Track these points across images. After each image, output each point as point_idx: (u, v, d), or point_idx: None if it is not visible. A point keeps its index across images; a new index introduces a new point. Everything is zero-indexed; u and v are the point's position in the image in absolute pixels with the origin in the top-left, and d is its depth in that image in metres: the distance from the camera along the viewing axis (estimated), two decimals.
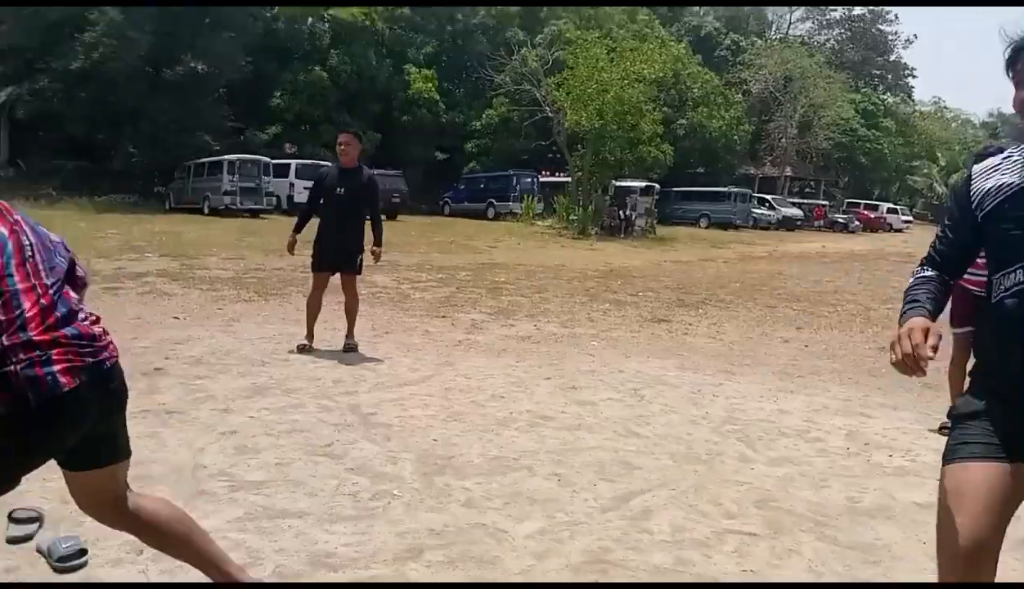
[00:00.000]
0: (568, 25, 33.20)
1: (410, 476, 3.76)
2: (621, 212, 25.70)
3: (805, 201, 42.47)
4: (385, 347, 6.75)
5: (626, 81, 24.95)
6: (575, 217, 25.16)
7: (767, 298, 11.61)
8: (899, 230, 43.78)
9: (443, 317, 8.56)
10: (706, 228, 32.65)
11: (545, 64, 30.01)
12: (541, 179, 31.91)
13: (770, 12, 56.13)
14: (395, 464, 3.92)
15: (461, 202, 31.84)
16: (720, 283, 13.43)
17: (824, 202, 43.88)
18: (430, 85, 33.38)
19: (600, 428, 4.68)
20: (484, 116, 34.58)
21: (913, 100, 58.60)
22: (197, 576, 2.40)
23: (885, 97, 53.00)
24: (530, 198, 28.81)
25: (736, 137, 37.82)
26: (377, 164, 29.44)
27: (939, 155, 53.67)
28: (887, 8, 55.40)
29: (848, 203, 46.46)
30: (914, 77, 59.70)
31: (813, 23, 57.20)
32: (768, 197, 38.65)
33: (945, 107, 63.11)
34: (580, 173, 26.93)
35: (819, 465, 4.23)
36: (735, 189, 35.35)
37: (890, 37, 56.95)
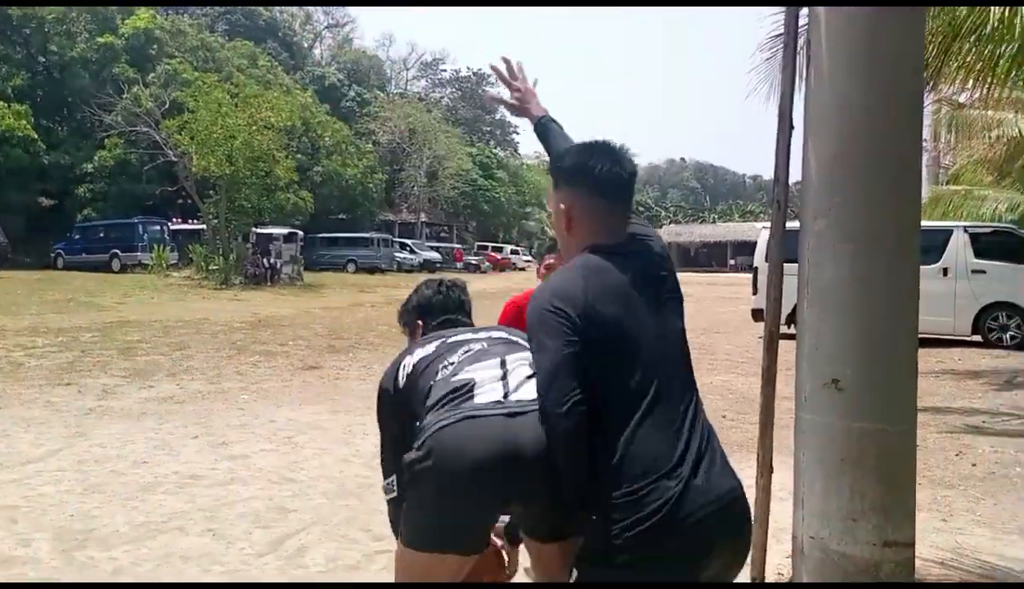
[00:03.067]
0: (184, 65, 31.82)
1: (47, 556, 3.56)
2: (265, 260, 25.24)
3: (443, 245, 45.53)
4: None
5: (254, 127, 24.70)
6: (215, 267, 24.08)
7: None
8: (523, 268, 49.12)
9: (68, 384, 7.81)
10: (354, 273, 33.37)
11: (161, 105, 28.35)
12: (172, 227, 29.92)
13: (388, 68, 59.62)
14: (28, 546, 3.66)
15: (78, 254, 28.36)
16: (369, 327, 13.99)
17: (459, 245, 47.46)
18: (23, 122, 29.22)
19: (254, 479, 4.80)
20: (96, 158, 31.27)
21: (519, 153, 66.24)
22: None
23: (496, 151, 59.18)
24: (161, 248, 26.78)
25: (372, 185, 39.34)
26: None
27: (546, 203, 61.16)
28: (488, 73, 62.09)
29: (478, 246, 50.87)
30: (517, 134, 67.67)
31: (428, 81, 62.05)
32: (408, 242, 40.75)
33: (545, 161, 72.15)
34: (216, 220, 25.87)
35: None
36: (377, 235, 36.77)
37: None
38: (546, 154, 2.47)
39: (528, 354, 1.89)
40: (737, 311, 18.28)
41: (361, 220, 39.93)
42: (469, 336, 2.16)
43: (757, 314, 12.89)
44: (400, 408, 2.07)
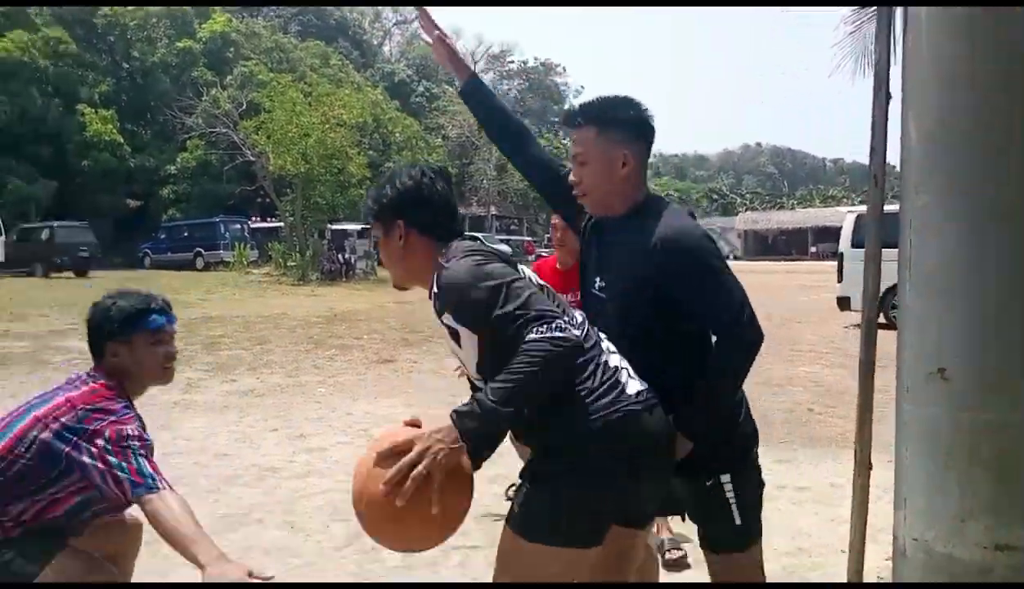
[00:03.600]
0: (259, 66, 32.63)
1: None
2: (340, 256, 25.72)
3: (513, 237, 45.58)
4: None
5: (327, 125, 25.12)
6: (293, 263, 24.69)
7: None
8: None
9: None
10: None
11: (239, 106, 29.17)
12: (252, 225, 30.81)
13: None
14: None
15: (164, 253, 29.63)
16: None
17: (529, 237, 47.46)
18: (110, 126, 30.62)
19: (331, 472, 4.82)
20: (178, 160, 32.57)
21: None
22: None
23: (565, 141, 58.83)
24: (242, 245, 27.68)
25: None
26: (55, 215, 26.52)
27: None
28: (556, 62, 61.90)
29: (548, 239, 50.75)
30: None
31: (495, 73, 61.98)
32: (479, 235, 40.55)
33: None
34: (292, 218, 26.50)
35: None
36: None
37: (562, 87, 63.45)
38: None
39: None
40: (820, 299, 17.64)
41: None
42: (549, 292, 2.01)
43: (843, 302, 12.41)
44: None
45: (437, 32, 2.43)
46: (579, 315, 1.97)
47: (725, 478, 2.05)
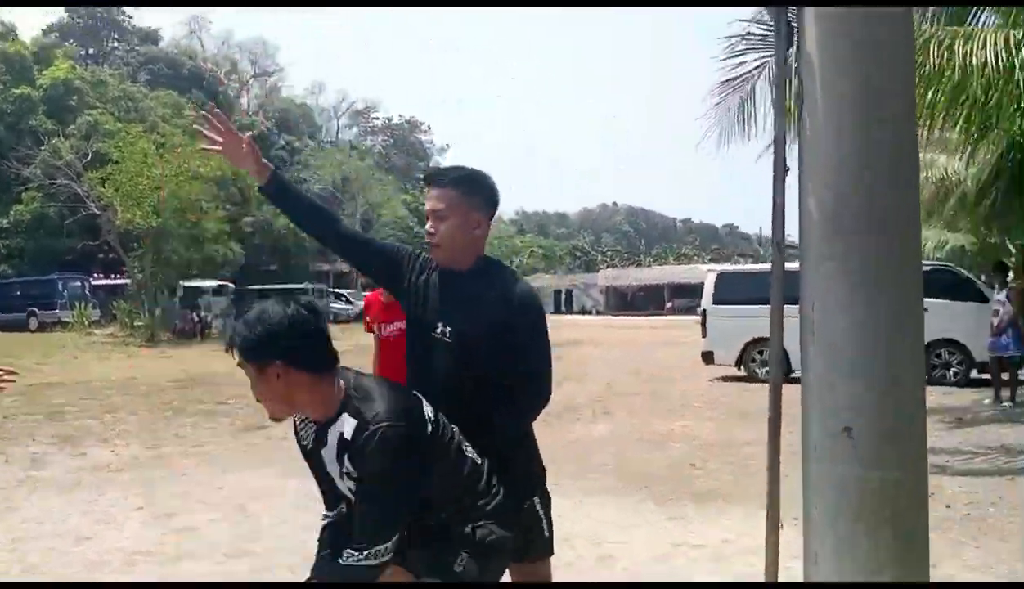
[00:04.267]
0: (106, 116, 30.96)
1: None
2: (195, 314, 24.38)
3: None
4: None
5: (182, 178, 24.07)
6: (141, 323, 23.15)
7: None
8: None
9: None
10: None
11: (83, 156, 27.45)
12: (94, 282, 28.75)
13: (318, 116, 59.38)
14: None
15: None
16: None
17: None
18: None
19: (206, 553, 4.43)
20: (12, 213, 30.04)
21: None
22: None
23: None
24: (83, 305, 25.62)
25: (304, 234, 38.55)
26: None
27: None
28: (420, 120, 62.72)
29: None
30: None
31: (359, 129, 61.96)
32: (344, 292, 39.98)
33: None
34: (141, 275, 24.94)
35: None
36: (312, 285, 35.90)
37: (427, 145, 64.15)
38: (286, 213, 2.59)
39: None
40: (683, 354, 18.38)
41: (294, 271, 39.16)
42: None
43: (707, 356, 13.04)
44: (428, 455, 2.07)
45: (226, 132, 2.49)
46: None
47: (536, 499, 2.43)
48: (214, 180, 26.47)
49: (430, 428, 2.10)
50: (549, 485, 2.49)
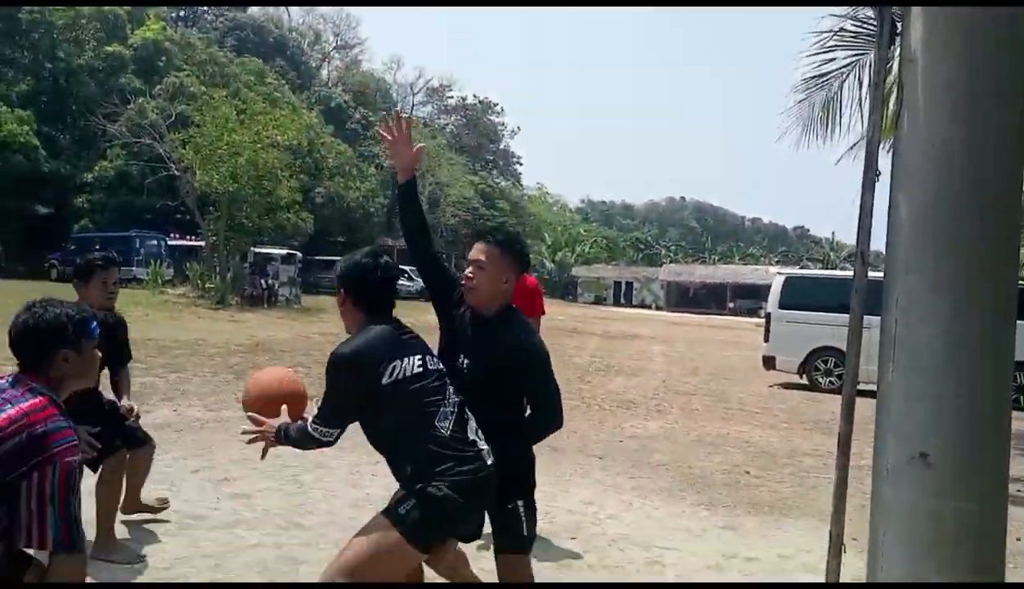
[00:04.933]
0: (191, 78, 31.71)
1: None
2: (263, 281, 24.86)
3: None
4: None
5: (259, 145, 24.47)
6: (212, 285, 23.72)
7: None
8: None
9: None
10: None
11: (167, 117, 28.17)
12: (170, 242, 29.60)
13: (395, 92, 59.81)
14: None
15: (73, 265, 27.81)
16: None
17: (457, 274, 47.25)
18: (26, 127, 28.94)
19: (260, 523, 4.48)
20: (97, 168, 31.00)
21: (521, 184, 66.34)
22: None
23: (499, 180, 59.22)
24: (157, 263, 26.32)
25: (374, 208, 39.15)
26: None
27: (546, 235, 61.19)
28: (494, 101, 62.55)
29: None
30: (520, 164, 67.69)
31: (434, 107, 62.14)
32: (407, 269, 40.34)
33: (547, 192, 72.40)
34: (215, 238, 25.56)
35: None
36: None
37: (499, 127, 64.02)
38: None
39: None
40: (743, 356, 18.04)
41: (361, 243, 39.33)
42: (434, 367, 2.70)
43: (768, 361, 12.70)
44: (370, 399, 2.59)
45: (403, 134, 3.03)
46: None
47: (520, 503, 2.80)
48: (290, 149, 26.89)
49: (388, 379, 2.56)
50: (603, 481, 2.97)
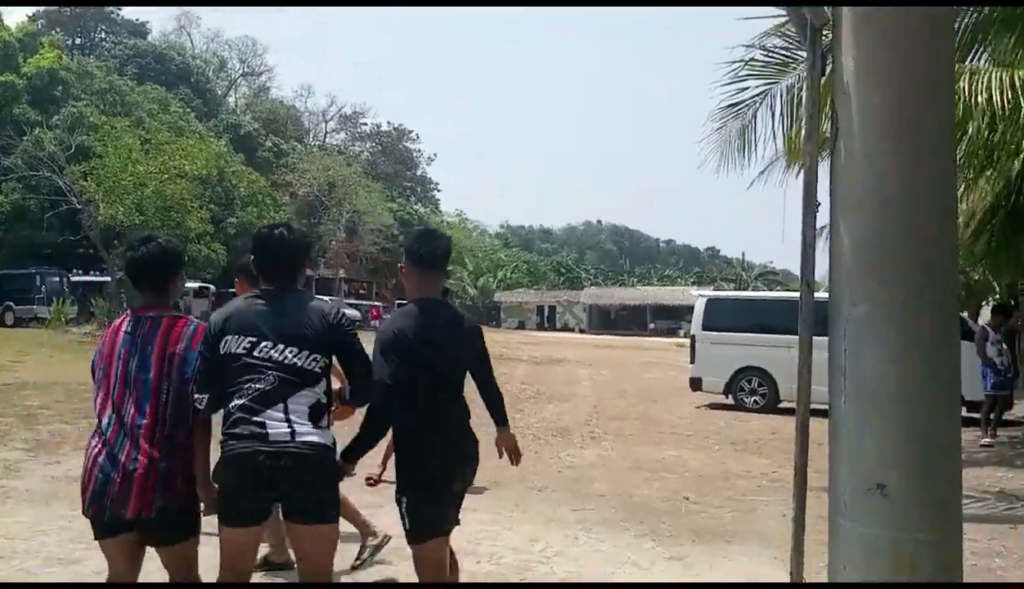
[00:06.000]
0: (91, 108, 30.46)
1: None
2: None
3: (363, 302, 44.43)
4: None
5: (166, 176, 23.72)
6: None
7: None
8: None
9: None
10: None
11: (67, 149, 26.93)
12: (73, 278, 28.17)
13: (306, 120, 59.01)
14: None
15: None
16: None
17: (378, 303, 46.50)
18: None
19: None
20: None
21: (440, 211, 66.19)
22: None
23: (417, 207, 58.93)
24: (60, 301, 24.95)
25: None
26: None
27: (467, 261, 61.01)
28: (409, 128, 62.52)
29: (397, 303, 49.91)
30: (439, 191, 67.68)
31: (347, 134, 61.60)
32: (327, 298, 39.44)
33: (466, 218, 72.38)
34: (121, 273, 24.44)
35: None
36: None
37: (415, 154, 63.90)
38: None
39: None
40: (665, 377, 18.32)
41: None
42: (260, 352, 2.83)
43: (695, 383, 12.93)
44: (213, 366, 2.81)
45: None
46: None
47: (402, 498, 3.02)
48: (199, 179, 26.11)
49: (219, 351, 2.78)
50: (545, 513, 4.09)
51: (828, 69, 2.96)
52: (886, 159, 2.51)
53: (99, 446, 2.79)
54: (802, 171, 3.01)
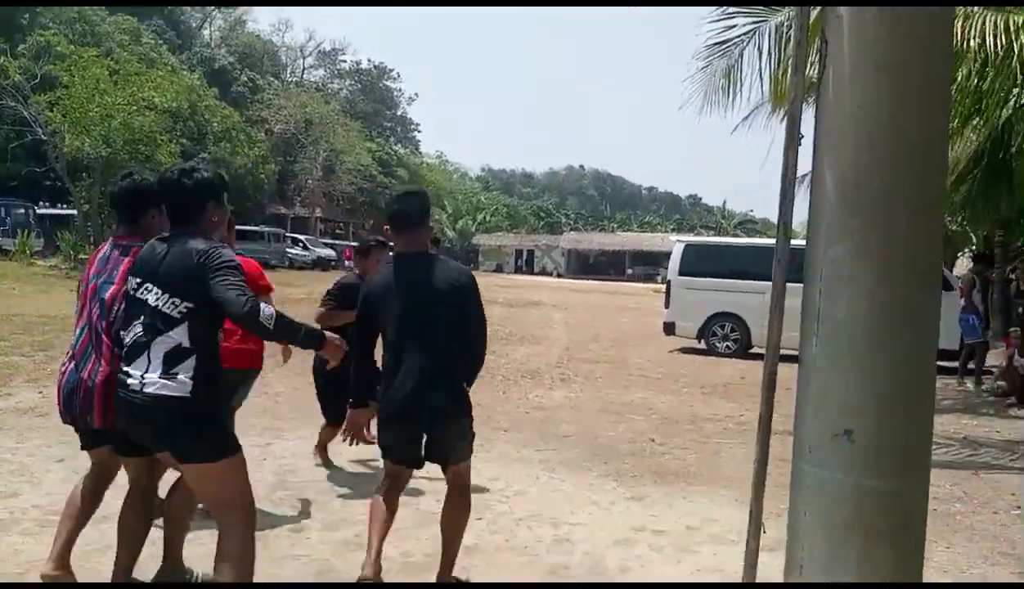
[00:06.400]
0: (59, 37, 29.34)
1: None
2: None
3: (339, 242, 43.93)
4: None
5: (135, 108, 23.03)
6: (86, 256, 22.13)
7: None
8: None
9: None
10: None
11: (32, 78, 25.99)
12: (39, 211, 27.50)
13: (284, 55, 57.49)
14: None
15: None
16: None
17: (355, 243, 46.05)
18: None
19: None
20: None
21: (420, 152, 65.22)
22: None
23: (397, 148, 57.98)
24: (26, 233, 24.33)
25: (263, 175, 37.57)
26: None
27: (446, 203, 60.46)
28: (390, 67, 61.06)
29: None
30: (419, 131, 66.43)
31: (326, 71, 60.06)
32: (302, 237, 39.02)
33: (447, 161, 71.54)
34: (88, 206, 23.91)
35: None
36: (268, 229, 34.99)
37: (396, 93, 62.58)
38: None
39: None
40: (640, 322, 18.30)
41: (251, 212, 38.01)
42: (143, 295, 2.87)
43: (668, 327, 12.90)
44: None
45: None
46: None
47: (464, 419, 3.29)
48: (169, 112, 25.38)
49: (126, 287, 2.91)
50: (509, 454, 3.90)
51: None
52: (877, 91, 2.34)
53: (68, 359, 3.07)
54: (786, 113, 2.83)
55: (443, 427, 3.24)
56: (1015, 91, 7.43)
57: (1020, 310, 10.76)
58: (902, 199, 2.30)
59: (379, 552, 3.11)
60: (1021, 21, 6.58)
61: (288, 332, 2.82)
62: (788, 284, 2.76)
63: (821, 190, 2.42)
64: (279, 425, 6.35)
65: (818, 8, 2.81)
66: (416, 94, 71.32)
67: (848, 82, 2.35)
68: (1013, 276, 14.82)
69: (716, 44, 7.85)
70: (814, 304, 2.41)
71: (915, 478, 2.44)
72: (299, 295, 22.63)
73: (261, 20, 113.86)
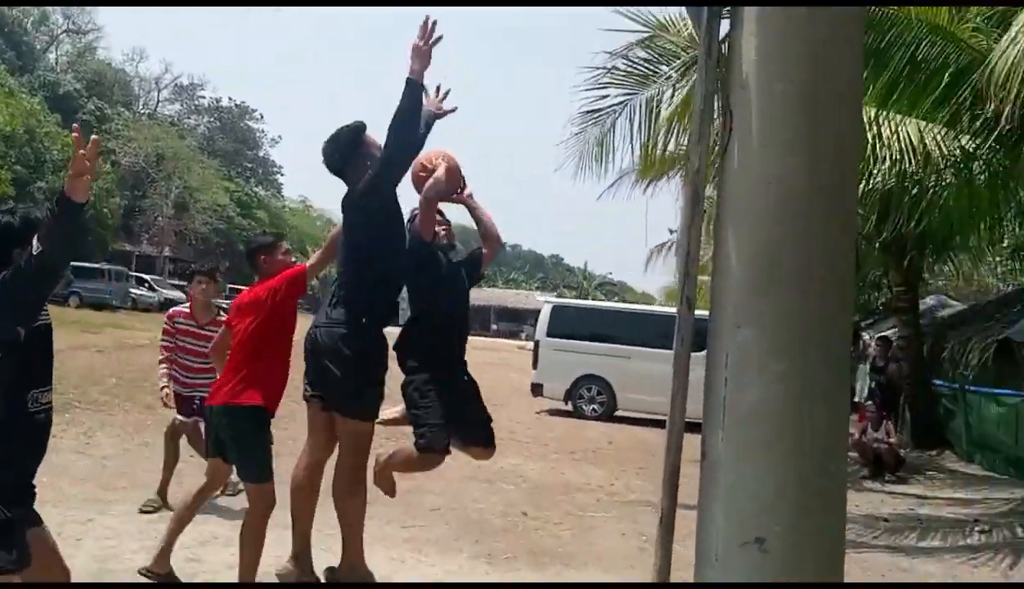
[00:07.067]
0: None
1: None
2: None
3: (187, 283, 41.34)
4: None
5: None
6: None
7: (148, 397, 10.28)
8: None
9: None
10: (77, 307, 28.56)
11: None
12: None
13: (137, 86, 54.80)
14: None
15: None
16: (93, 379, 11.40)
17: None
18: None
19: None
20: None
21: (283, 196, 63.24)
22: None
23: (257, 189, 55.95)
24: None
25: (107, 209, 35.06)
26: None
27: (309, 249, 58.60)
28: (252, 107, 59.25)
29: (229, 288, 46.90)
30: (282, 175, 64.41)
31: (183, 106, 57.52)
32: (147, 277, 36.44)
33: (311, 206, 69.68)
34: None
35: None
36: (110, 266, 32.36)
37: (258, 134, 60.65)
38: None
39: None
40: (505, 378, 18.09)
41: (91, 248, 35.28)
42: None
43: (536, 388, 12.80)
44: None
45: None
46: None
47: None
48: (2, 137, 23.25)
49: None
50: (372, 531, 3.45)
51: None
52: (786, 164, 2.20)
53: None
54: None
55: None
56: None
57: (872, 384, 11.37)
58: (816, 275, 2.16)
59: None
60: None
61: (58, 230, 2.51)
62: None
63: (726, 268, 2.24)
64: (103, 496, 5.57)
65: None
66: (280, 136, 69.30)
67: (756, 156, 2.21)
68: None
69: (589, 111, 7.94)
70: (718, 393, 2.21)
71: (831, 576, 2.27)
72: (142, 340, 20.78)
73: (114, 48, 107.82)
